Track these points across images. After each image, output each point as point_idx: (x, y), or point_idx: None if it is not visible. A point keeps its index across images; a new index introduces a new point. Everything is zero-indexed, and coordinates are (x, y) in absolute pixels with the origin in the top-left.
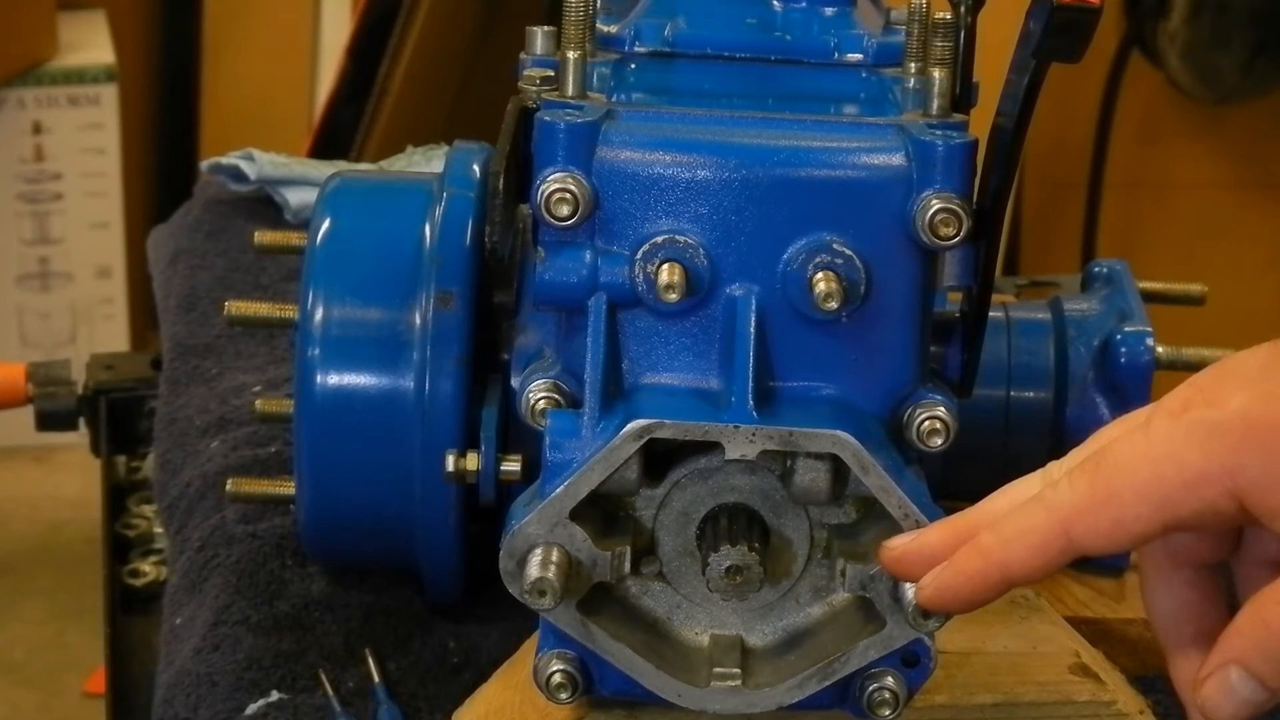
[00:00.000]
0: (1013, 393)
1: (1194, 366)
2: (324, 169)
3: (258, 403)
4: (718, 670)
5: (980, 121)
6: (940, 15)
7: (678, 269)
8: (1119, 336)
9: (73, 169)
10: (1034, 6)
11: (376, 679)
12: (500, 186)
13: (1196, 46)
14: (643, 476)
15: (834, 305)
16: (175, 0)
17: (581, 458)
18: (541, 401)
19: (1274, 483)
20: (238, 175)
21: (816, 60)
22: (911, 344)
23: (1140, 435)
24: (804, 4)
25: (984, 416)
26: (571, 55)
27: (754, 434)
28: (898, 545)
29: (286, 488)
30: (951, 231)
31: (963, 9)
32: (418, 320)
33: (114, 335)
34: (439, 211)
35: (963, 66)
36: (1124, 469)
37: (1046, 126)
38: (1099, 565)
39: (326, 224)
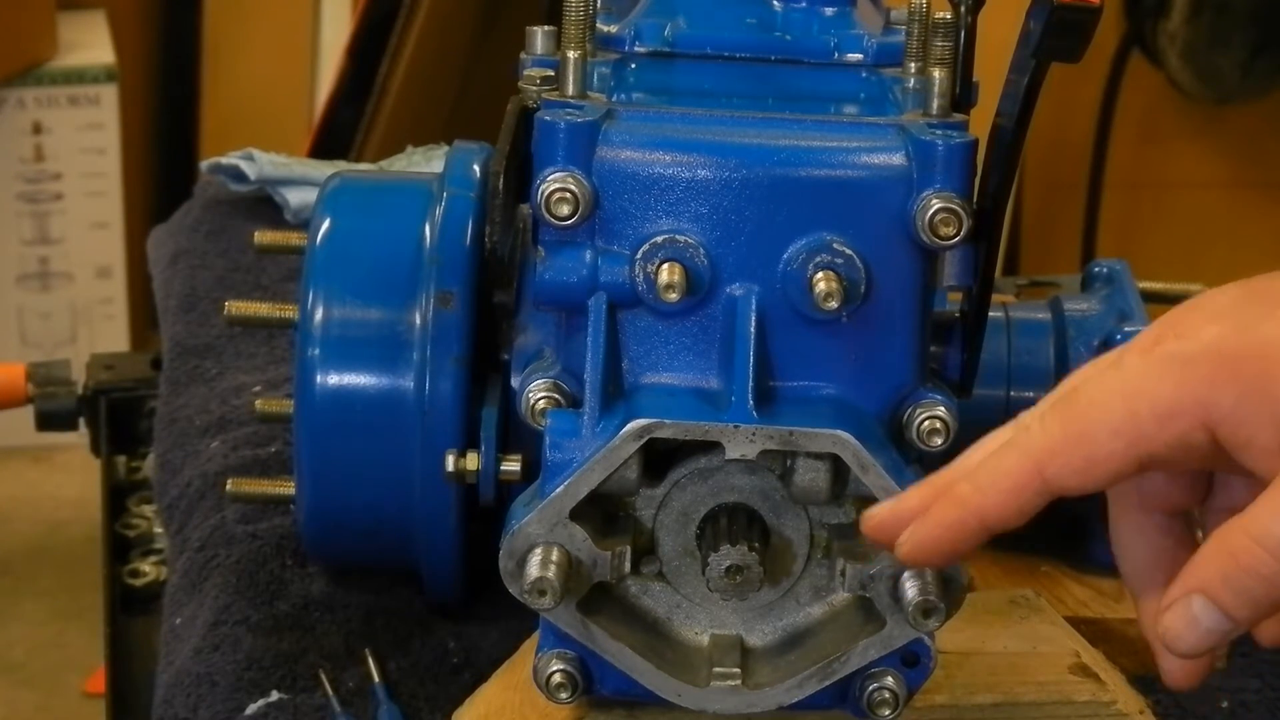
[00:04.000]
0: (1013, 393)
1: None
2: (324, 169)
3: (258, 403)
4: (718, 670)
5: (980, 121)
6: (940, 15)
7: (678, 269)
8: (1119, 336)
9: (73, 169)
10: (1034, 6)
11: (376, 679)
12: (500, 186)
13: (1196, 46)
14: (643, 476)
15: (834, 305)
16: (175, 0)
17: (581, 458)
18: (541, 401)
19: (1247, 414)
20: (238, 175)
21: (816, 60)
22: (911, 344)
23: (1113, 372)
24: (804, 4)
25: (984, 416)
26: (571, 55)
27: (754, 434)
28: (877, 513)
29: (286, 488)
30: (951, 231)
31: (963, 9)
32: (418, 320)
33: (114, 335)
34: (439, 211)
35: (963, 66)
36: (1097, 404)
37: (1046, 126)
38: (1099, 565)
39: (326, 224)
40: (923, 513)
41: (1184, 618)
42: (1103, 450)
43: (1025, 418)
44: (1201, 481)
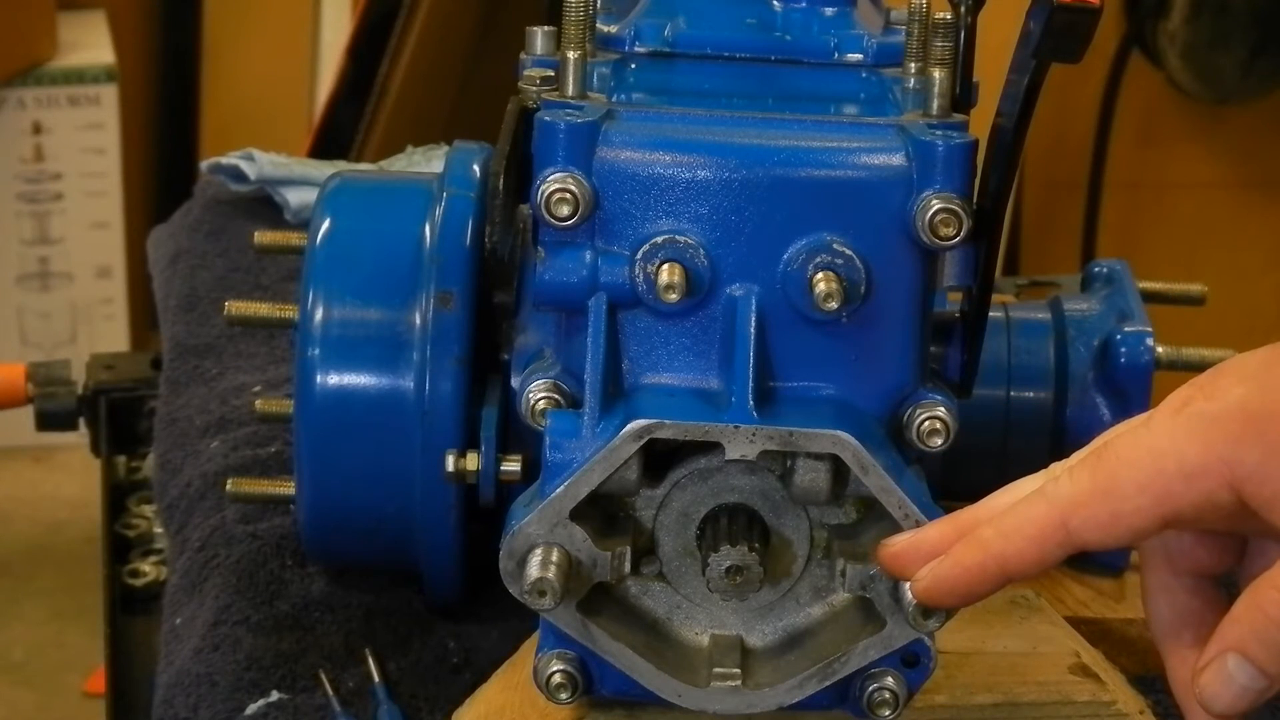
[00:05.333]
0: (1013, 393)
1: (1194, 366)
2: (324, 169)
3: (258, 403)
4: (718, 670)
5: (980, 121)
6: (940, 15)
7: (678, 269)
8: (1119, 336)
9: (73, 169)
10: (1034, 6)
11: (376, 679)
12: (500, 186)
13: (1196, 46)
14: (643, 477)
15: (834, 305)
16: (175, 0)
17: (581, 458)
18: (541, 401)
19: (1271, 472)
20: (238, 175)
21: (816, 60)
22: (911, 344)
23: (1142, 430)
24: (804, 4)
25: (984, 416)
26: (571, 55)
27: (754, 434)
28: (896, 542)
29: (286, 488)
30: (951, 231)
31: (963, 9)
32: (418, 320)
33: (114, 335)
34: (439, 211)
35: (963, 66)
36: (1125, 461)
37: (1046, 126)
38: (1099, 565)
39: (326, 224)
40: (941, 548)
41: (1219, 677)
42: (1128, 506)
43: (1056, 468)
44: (1231, 546)
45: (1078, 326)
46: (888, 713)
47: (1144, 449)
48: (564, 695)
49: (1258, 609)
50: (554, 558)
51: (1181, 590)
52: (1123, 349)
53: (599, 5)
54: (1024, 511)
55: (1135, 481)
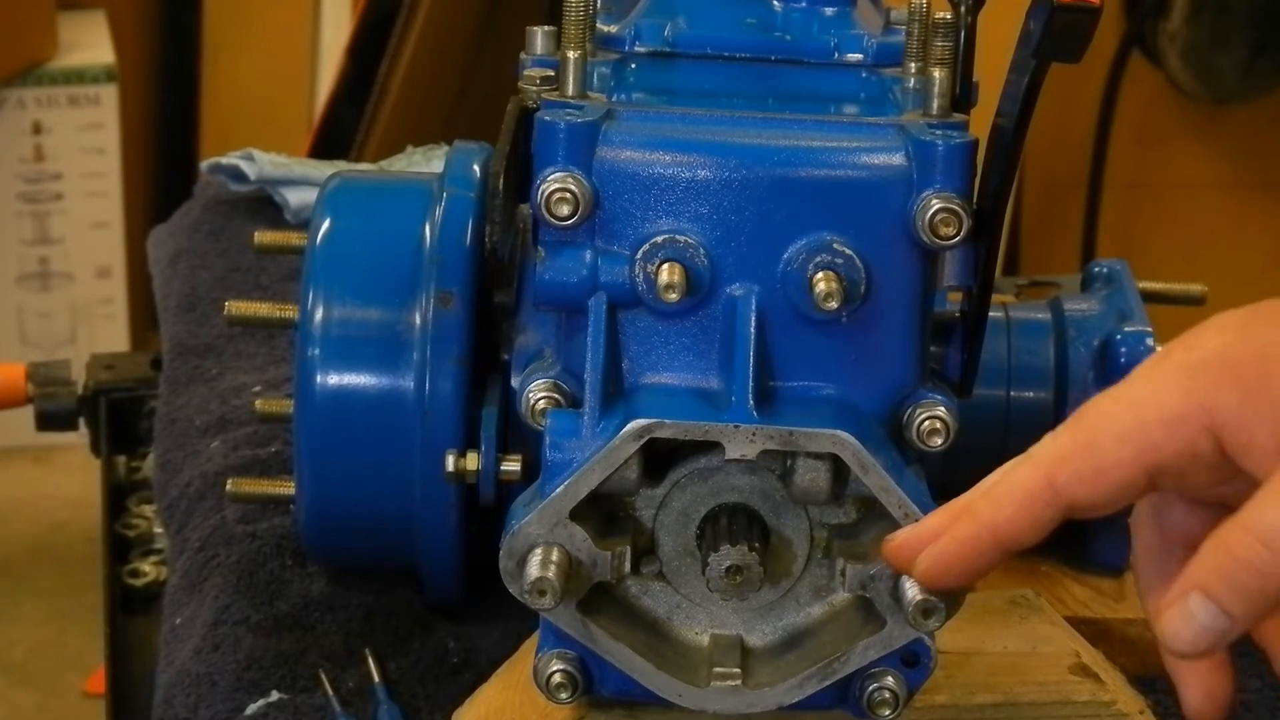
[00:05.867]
0: (1013, 393)
1: None
2: (324, 169)
3: (258, 403)
4: (718, 670)
5: (980, 121)
6: (940, 15)
7: (678, 269)
8: (1119, 336)
9: (73, 169)
10: (1034, 6)
11: (376, 679)
12: (500, 186)
13: (1196, 46)
14: (643, 476)
15: (834, 305)
16: (175, 0)
17: (581, 458)
18: (541, 401)
19: (1248, 415)
20: (238, 175)
21: (816, 60)
22: (911, 344)
23: (1122, 386)
24: (804, 4)
25: (984, 416)
26: (571, 55)
27: (754, 434)
28: (898, 535)
29: (286, 488)
30: (951, 231)
31: (963, 9)
32: (418, 320)
33: (114, 335)
34: (439, 211)
35: (963, 66)
36: (1105, 414)
37: (1046, 126)
38: (1099, 565)
39: (326, 224)
40: (941, 534)
41: (1181, 615)
42: (1110, 458)
43: (1045, 437)
44: (1222, 517)
45: (1078, 326)
46: (888, 713)
47: (1124, 401)
48: (564, 695)
49: (1223, 548)
50: (554, 557)
51: (1172, 561)
52: (1123, 349)
53: (599, 5)
54: (1011, 477)
55: (1115, 434)
